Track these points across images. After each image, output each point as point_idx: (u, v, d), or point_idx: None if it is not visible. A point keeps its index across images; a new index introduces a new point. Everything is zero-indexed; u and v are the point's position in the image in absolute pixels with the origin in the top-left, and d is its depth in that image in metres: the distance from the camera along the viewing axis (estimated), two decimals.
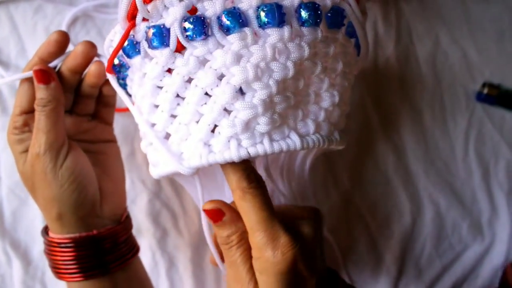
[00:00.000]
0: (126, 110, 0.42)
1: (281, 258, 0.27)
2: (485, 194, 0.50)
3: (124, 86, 0.32)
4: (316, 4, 0.27)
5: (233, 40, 0.26)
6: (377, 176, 0.48)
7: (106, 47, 0.31)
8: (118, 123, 0.43)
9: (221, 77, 0.27)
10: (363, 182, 0.48)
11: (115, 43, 0.29)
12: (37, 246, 0.42)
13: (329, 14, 0.28)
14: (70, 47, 0.42)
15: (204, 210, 0.30)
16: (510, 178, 0.50)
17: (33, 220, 0.42)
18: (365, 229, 0.47)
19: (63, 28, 0.43)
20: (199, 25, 0.26)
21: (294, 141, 0.28)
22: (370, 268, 0.47)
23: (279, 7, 0.26)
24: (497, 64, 0.51)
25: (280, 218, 0.28)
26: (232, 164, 0.28)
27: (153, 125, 0.30)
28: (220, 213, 0.30)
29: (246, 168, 0.28)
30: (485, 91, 0.49)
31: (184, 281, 0.44)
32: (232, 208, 0.30)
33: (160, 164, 0.30)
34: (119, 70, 0.31)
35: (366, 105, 0.48)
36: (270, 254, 0.27)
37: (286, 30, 0.26)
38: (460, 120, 0.50)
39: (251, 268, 0.29)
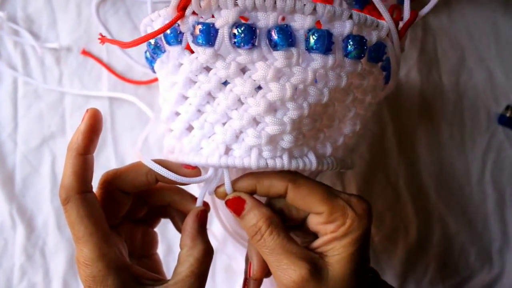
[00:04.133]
0: (147, 83, 0.44)
1: (362, 213, 0.29)
2: (498, 222, 0.49)
3: (150, 61, 0.34)
4: (364, 38, 0.28)
5: (278, 57, 0.26)
6: (386, 188, 0.48)
7: (144, 24, 0.32)
8: (135, 106, 0.45)
9: (257, 88, 0.28)
10: (372, 192, 0.48)
11: (156, 25, 0.30)
12: (42, 215, 0.44)
13: (371, 48, 0.29)
14: (99, 25, 0.45)
15: (226, 202, 0.31)
16: None
17: (42, 189, 0.44)
18: None
19: (93, 5, 0.45)
20: (249, 35, 0.26)
21: (311, 160, 0.30)
22: None
23: (329, 35, 0.27)
24: None
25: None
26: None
27: (177, 113, 0.32)
28: (241, 201, 0.30)
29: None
30: (508, 114, 0.49)
31: None
32: (251, 196, 0.31)
33: (176, 152, 0.32)
34: (153, 50, 0.32)
35: (383, 114, 0.49)
36: (351, 213, 0.28)
37: (330, 59, 0.27)
38: (479, 141, 0.49)
39: (294, 249, 0.28)
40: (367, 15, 0.28)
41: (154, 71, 0.34)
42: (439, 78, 0.50)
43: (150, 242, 0.36)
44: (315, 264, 0.28)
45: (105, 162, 0.45)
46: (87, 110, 0.28)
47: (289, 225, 0.31)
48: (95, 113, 0.28)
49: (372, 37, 0.29)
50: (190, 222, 0.31)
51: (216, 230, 0.44)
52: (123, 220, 0.33)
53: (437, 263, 0.48)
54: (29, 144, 0.44)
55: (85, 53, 0.45)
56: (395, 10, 0.32)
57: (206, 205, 0.33)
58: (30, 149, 0.44)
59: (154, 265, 0.36)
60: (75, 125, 0.44)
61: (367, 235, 0.29)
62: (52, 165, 0.44)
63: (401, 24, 0.31)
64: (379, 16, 0.30)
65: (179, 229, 0.35)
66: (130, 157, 0.45)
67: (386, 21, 0.29)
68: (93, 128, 0.28)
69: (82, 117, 0.28)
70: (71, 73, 0.45)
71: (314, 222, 0.30)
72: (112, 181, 0.31)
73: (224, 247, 0.44)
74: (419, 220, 0.48)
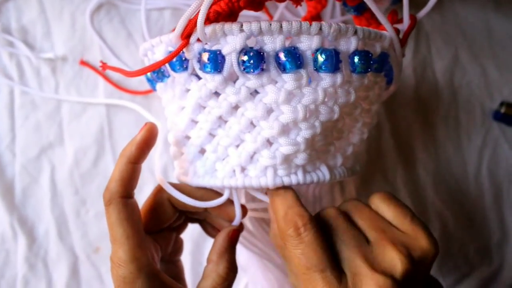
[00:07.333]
0: (144, 93, 0.45)
1: None
2: (496, 216, 0.50)
3: (152, 82, 0.34)
4: (369, 53, 0.28)
5: (288, 80, 0.27)
6: (384, 187, 0.49)
7: (144, 49, 0.32)
8: (132, 114, 0.45)
9: (269, 111, 0.28)
10: (370, 192, 0.48)
11: (157, 50, 0.30)
12: (43, 225, 0.44)
13: (376, 60, 0.30)
14: (93, 34, 0.45)
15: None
16: None
17: (42, 199, 0.44)
18: None
19: (87, 14, 0.45)
20: (258, 60, 0.26)
21: (324, 173, 0.31)
22: None
23: (337, 54, 0.27)
24: None
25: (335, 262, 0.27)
26: (281, 199, 0.29)
27: (187, 137, 0.32)
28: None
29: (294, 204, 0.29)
30: (503, 110, 0.49)
31: None
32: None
33: (190, 174, 0.32)
34: (157, 75, 0.32)
35: (379, 114, 0.49)
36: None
37: (339, 77, 0.27)
38: (475, 138, 0.50)
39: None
40: (370, 29, 0.28)
41: (155, 89, 0.34)
42: (434, 77, 0.50)
43: (179, 248, 0.38)
44: None
45: (103, 169, 0.45)
46: (145, 124, 0.31)
47: None
48: (152, 128, 0.31)
49: (376, 49, 0.29)
50: (220, 239, 0.32)
51: None
52: (164, 228, 0.34)
53: (437, 260, 0.48)
54: (28, 154, 0.44)
55: (83, 63, 0.45)
56: (391, 14, 0.32)
57: (241, 225, 0.34)
58: (29, 159, 0.44)
59: (177, 271, 0.37)
60: (73, 134, 0.45)
61: None
62: (51, 174, 0.44)
63: (398, 27, 0.31)
64: (378, 23, 0.30)
65: (209, 234, 0.37)
66: None
67: (388, 31, 0.29)
68: (148, 141, 0.30)
69: (140, 129, 0.31)
70: (68, 82, 0.45)
71: None
72: (165, 193, 0.32)
73: None
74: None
